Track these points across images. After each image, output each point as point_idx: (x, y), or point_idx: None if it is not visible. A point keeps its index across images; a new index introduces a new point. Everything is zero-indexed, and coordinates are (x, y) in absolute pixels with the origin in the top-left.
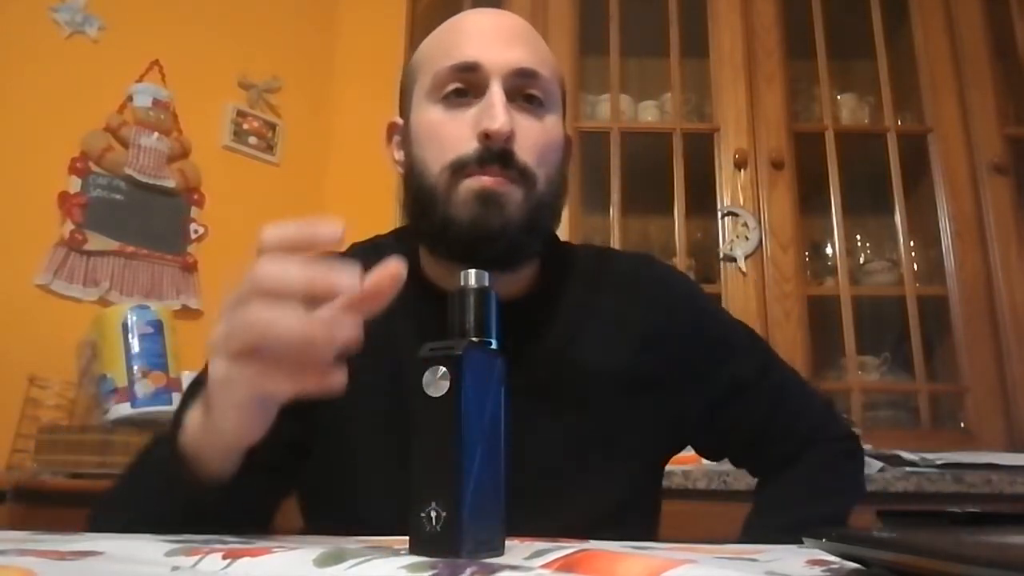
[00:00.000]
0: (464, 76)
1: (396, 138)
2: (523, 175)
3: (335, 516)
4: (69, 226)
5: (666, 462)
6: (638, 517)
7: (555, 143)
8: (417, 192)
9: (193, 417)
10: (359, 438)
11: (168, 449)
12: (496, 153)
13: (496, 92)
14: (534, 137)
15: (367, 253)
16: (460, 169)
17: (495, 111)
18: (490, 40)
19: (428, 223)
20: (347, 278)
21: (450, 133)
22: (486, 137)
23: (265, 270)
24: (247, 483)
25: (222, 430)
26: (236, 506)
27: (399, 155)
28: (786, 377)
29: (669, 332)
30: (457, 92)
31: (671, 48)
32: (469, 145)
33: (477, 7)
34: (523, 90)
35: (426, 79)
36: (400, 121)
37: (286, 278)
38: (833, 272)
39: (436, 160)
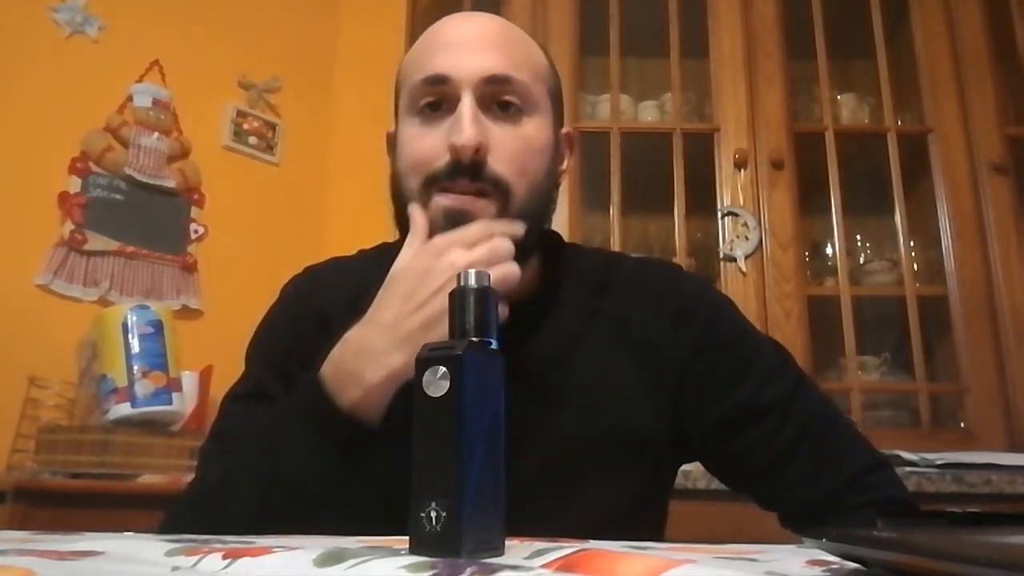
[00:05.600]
0: (435, 89)
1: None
2: (496, 187)
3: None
4: (69, 226)
5: (673, 474)
6: (639, 528)
7: (537, 148)
8: (400, 206)
9: (333, 358)
10: None
11: (310, 397)
12: (465, 166)
13: (466, 104)
14: (510, 146)
15: (373, 260)
16: (432, 183)
17: (462, 124)
18: (461, 49)
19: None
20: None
21: (424, 148)
22: (455, 150)
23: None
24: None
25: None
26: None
27: None
28: (825, 411)
29: (676, 341)
30: (431, 105)
31: (671, 48)
32: (441, 159)
33: (477, 8)
34: (497, 97)
35: (405, 93)
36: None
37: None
38: (833, 272)
39: (412, 175)
